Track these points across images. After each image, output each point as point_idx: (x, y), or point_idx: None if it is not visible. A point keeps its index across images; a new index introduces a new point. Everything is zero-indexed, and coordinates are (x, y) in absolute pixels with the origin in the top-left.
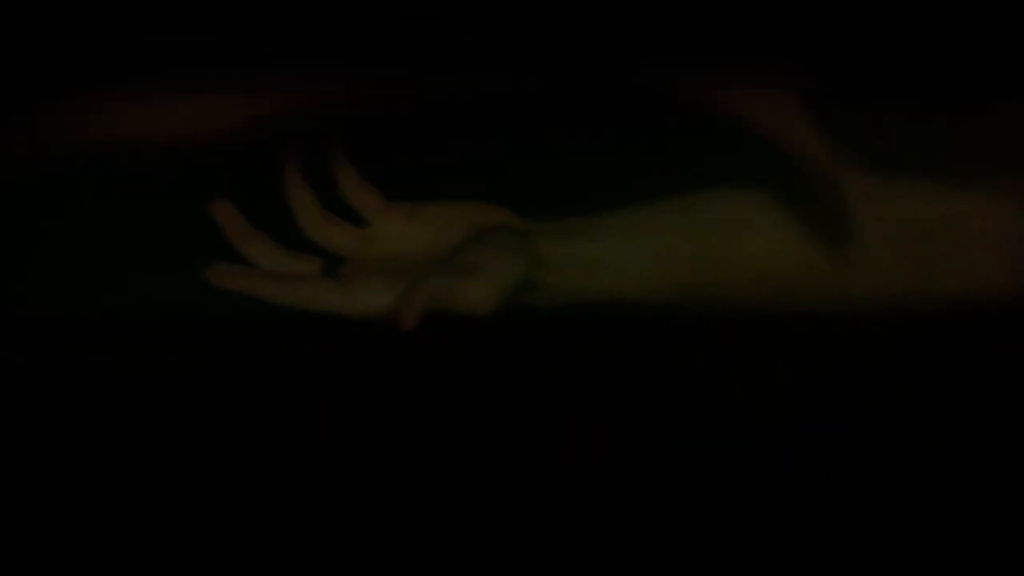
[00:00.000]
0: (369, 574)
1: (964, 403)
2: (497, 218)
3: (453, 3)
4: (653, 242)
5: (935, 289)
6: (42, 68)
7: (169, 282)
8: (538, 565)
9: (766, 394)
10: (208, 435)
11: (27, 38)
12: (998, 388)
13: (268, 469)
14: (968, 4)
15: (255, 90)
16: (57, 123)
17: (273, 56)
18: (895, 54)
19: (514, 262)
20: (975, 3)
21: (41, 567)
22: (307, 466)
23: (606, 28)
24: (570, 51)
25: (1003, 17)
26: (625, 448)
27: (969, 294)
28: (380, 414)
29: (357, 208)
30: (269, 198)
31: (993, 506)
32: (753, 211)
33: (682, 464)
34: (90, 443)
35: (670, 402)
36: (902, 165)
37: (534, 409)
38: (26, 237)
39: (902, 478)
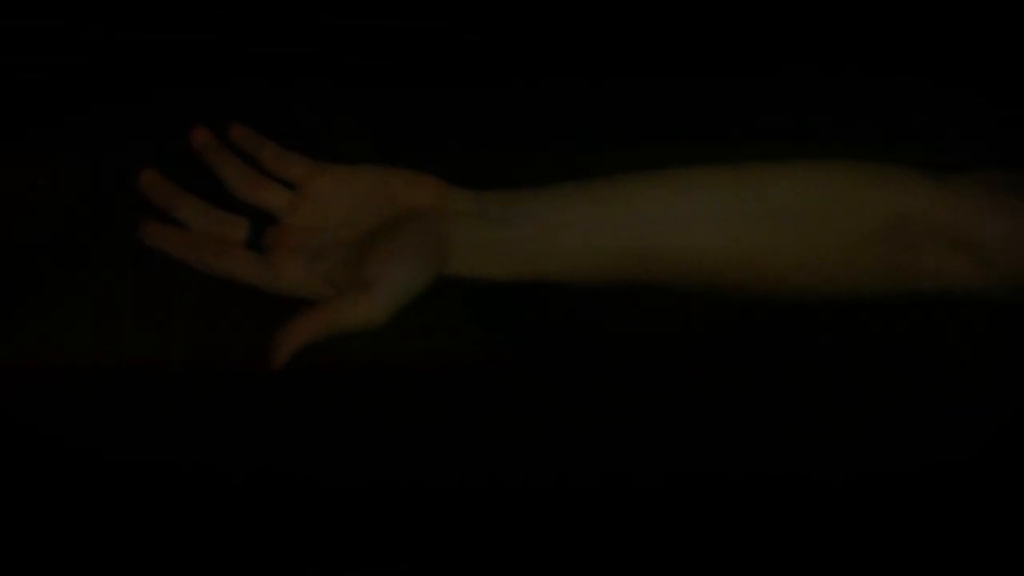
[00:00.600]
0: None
1: (940, 400)
2: (423, 196)
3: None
4: (574, 230)
5: (899, 284)
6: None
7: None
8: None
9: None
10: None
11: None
12: (975, 383)
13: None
14: (960, 6)
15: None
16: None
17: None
18: (876, 54)
19: (416, 271)
20: (967, 5)
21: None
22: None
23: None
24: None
25: (995, 16)
26: (615, 455)
27: (935, 289)
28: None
29: (287, 178)
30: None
31: (989, 504)
32: (681, 202)
33: (666, 469)
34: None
35: (651, 408)
36: (870, 158)
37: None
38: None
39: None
